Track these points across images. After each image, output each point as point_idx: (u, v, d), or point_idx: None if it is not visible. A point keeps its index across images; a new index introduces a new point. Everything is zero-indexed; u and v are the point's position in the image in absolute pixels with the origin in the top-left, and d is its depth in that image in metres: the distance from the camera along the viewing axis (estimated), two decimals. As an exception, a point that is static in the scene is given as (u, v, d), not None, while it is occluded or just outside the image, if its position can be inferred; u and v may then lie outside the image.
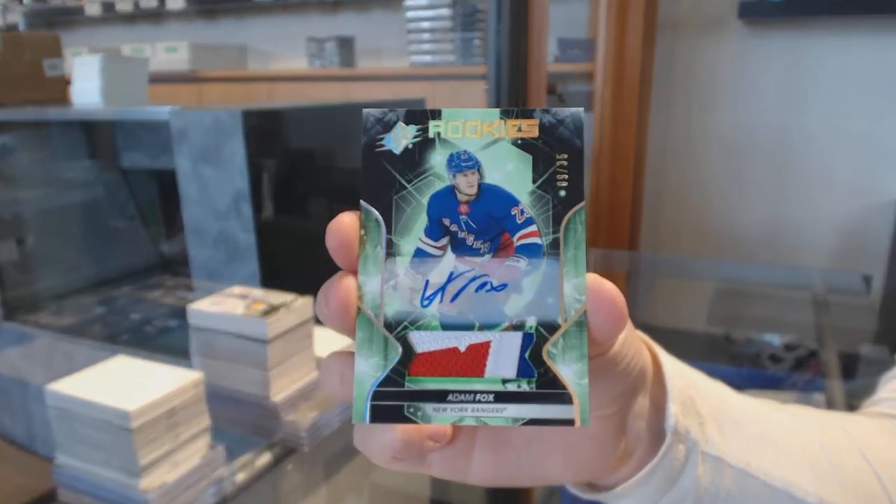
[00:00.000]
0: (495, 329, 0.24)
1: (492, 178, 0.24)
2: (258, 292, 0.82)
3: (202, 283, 1.07)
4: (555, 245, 0.24)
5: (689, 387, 0.34)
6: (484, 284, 0.24)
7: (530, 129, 0.25)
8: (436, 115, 0.25)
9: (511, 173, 0.24)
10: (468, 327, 0.24)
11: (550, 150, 0.24)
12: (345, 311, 0.24)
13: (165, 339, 1.35)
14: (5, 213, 1.50)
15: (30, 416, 1.41)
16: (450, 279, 0.24)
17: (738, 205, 2.31)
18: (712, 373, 1.07)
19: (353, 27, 2.93)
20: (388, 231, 0.24)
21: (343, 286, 0.24)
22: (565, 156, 0.24)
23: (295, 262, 1.09)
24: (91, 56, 1.50)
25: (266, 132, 1.00)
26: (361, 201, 0.24)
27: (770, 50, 2.14)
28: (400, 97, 1.36)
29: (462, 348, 0.24)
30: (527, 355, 0.24)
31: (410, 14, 2.50)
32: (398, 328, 0.24)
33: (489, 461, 0.28)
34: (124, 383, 0.65)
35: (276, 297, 0.80)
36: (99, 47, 3.21)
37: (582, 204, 0.24)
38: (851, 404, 0.78)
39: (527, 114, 0.25)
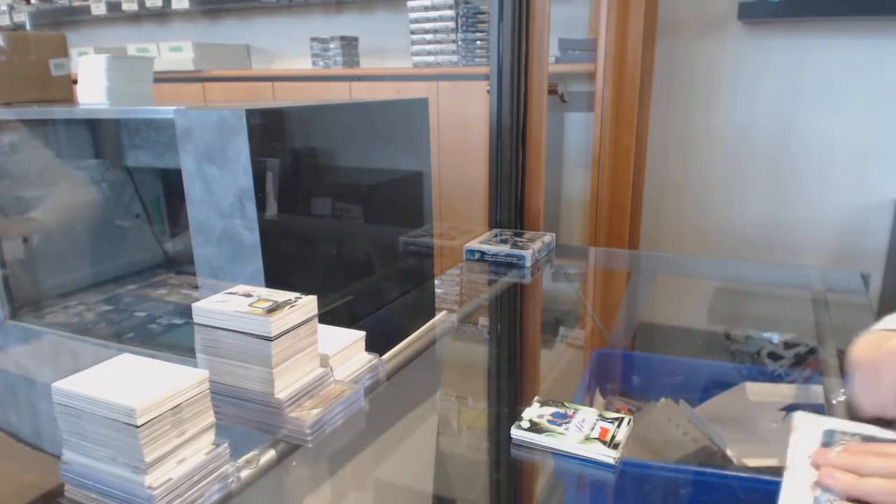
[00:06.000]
0: None
1: None
2: (262, 290, 0.83)
3: (207, 282, 1.08)
4: None
5: None
6: None
7: None
8: None
9: None
10: None
11: None
12: None
13: (170, 337, 1.36)
14: (11, 211, 1.51)
15: (36, 414, 1.42)
16: None
17: (737, 204, 2.31)
18: (713, 369, 1.08)
19: (357, 27, 2.94)
20: None
21: None
22: None
23: (299, 261, 1.10)
24: (97, 55, 1.51)
25: (270, 131, 1.00)
26: None
27: (769, 50, 2.15)
28: (403, 97, 1.37)
29: None
30: None
31: (413, 14, 2.51)
32: None
33: None
34: (130, 381, 0.66)
35: (281, 295, 0.81)
36: (104, 47, 3.23)
37: None
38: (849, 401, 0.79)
39: None
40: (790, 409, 0.68)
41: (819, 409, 0.68)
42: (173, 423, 0.64)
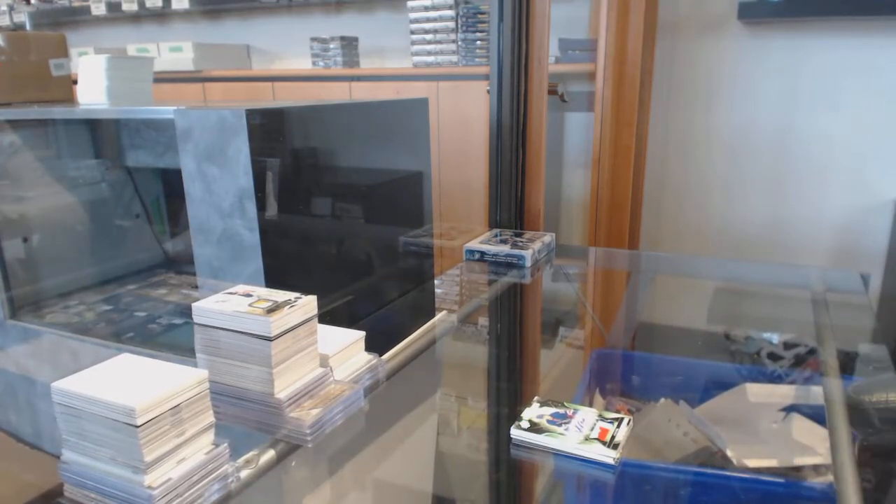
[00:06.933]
0: None
1: None
2: (262, 290, 0.83)
3: (206, 281, 1.08)
4: None
5: None
6: None
7: None
8: None
9: None
10: None
11: None
12: None
13: (170, 337, 1.36)
14: (11, 211, 1.51)
15: (36, 414, 1.42)
16: None
17: (737, 204, 2.31)
18: (713, 370, 1.09)
19: (357, 27, 2.94)
20: None
21: None
22: None
23: (299, 261, 1.10)
24: (97, 55, 1.51)
25: (270, 131, 1.01)
26: None
27: (769, 50, 2.15)
28: (403, 97, 1.37)
29: None
30: None
31: (413, 14, 2.51)
32: None
33: None
34: (130, 381, 0.66)
35: (281, 295, 0.81)
36: (104, 47, 3.23)
37: None
38: (849, 402, 0.79)
39: None
40: (790, 409, 0.67)
41: (819, 410, 0.68)
42: (173, 423, 0.64)
